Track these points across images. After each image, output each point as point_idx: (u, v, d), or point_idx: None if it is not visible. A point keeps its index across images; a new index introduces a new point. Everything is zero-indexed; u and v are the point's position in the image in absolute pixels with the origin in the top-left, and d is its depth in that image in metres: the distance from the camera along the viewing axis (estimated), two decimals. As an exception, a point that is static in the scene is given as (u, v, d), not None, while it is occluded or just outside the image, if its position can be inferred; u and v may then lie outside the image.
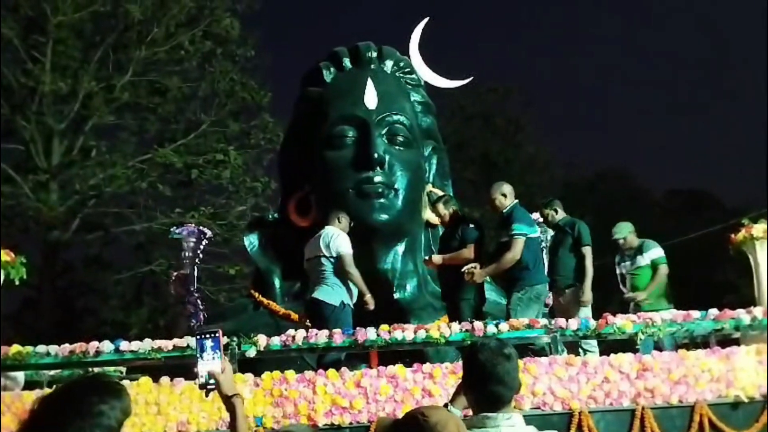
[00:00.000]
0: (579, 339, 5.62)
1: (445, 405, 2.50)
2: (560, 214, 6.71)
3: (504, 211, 5.99)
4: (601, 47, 58.78)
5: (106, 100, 16.83)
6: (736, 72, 55.90)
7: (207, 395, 2.20)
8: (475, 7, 53.07)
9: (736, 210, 20.00)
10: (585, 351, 5.85)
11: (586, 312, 6.18)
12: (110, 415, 1.62)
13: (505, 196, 6.01)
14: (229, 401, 2.13)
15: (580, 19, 58.13)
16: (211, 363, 2.17)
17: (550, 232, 7.13)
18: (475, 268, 5.77)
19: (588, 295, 6.26)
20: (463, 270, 5.80)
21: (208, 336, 2.19)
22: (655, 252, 6.90)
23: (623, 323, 5.35)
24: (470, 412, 2.34)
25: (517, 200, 6.08)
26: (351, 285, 5.89)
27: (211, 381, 2.16)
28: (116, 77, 17.02)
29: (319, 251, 5.92)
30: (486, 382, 2.20)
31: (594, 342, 5.94)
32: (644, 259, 6.89)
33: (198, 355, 2.18)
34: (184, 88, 17.95)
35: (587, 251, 6.38)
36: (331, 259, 5.86)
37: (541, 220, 6.98)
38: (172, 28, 17.40)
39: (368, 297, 5.88)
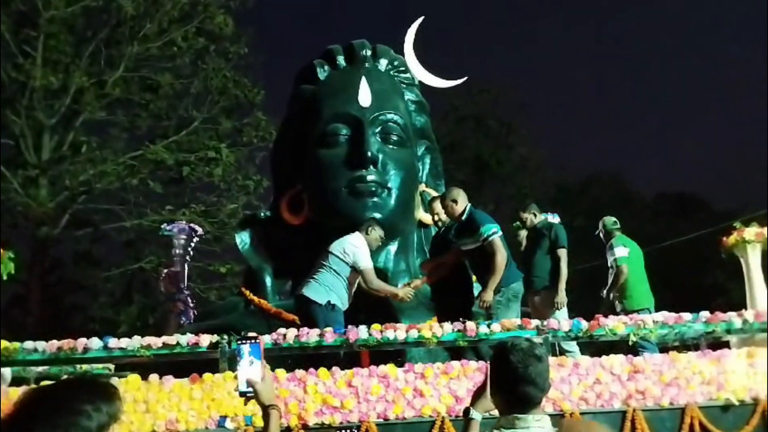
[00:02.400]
0: (562, 340, 5.61)
1: (467, 409, 2.46)
2: (538, 218, 6.74)
3: (462, 216, 5.90)
4: (594, 50, 59.01)
5: (97, 96, 16.74)
6: (728, 75, 56.25)
7: (246, 403, 2.14)
8: (469, 8, 53.18)
9: (724, 213, 20.15)
10: (566, 352, 5.84)
11: (562, 314, 6.17)
12: (92, 416, 1.52)
13: (456, 201, 5.91)
14: (266, 411, 2.06)
15: (573, 21, 58.35)
16: (249, 370, 2.09)
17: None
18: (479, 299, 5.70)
19: (562, 296, 6.25)
20: (477, 303, 5.72)
21: (247, 342, 2.12)
22: (617, 251, 6.83)
23: (615, 325, 5.35)
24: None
25: (469, 203, 5.98)
26: (347, 290, 5.80)
27: (250, 389, 2.08)
28: (108, 73, 16.95)
29: (333, 247, 5.83)
30: (518, 383, 2.18)
31: (574, 343, 5.93)
32: (611, 259, 6.89)
33: (238, 362, 2.11)
34: (177, 85, 17.88)
35: (563, 253, 6.38)
36: (334, 259, 5.78)
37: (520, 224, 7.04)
38: (164, 24, 17.34)
39: (399, 291, 5.91)
